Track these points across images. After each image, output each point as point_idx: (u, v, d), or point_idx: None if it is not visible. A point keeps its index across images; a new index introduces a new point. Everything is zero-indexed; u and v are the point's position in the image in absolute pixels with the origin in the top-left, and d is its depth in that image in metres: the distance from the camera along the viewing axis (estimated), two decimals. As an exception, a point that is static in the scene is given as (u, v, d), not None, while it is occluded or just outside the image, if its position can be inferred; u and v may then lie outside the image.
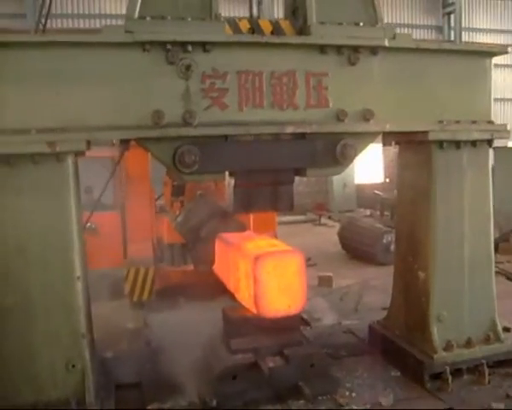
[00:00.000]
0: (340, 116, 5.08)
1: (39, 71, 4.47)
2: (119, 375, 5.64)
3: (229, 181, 5.65)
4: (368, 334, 6.67)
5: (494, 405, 5.03)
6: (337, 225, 15.06)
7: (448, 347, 5.54)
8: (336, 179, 19.70)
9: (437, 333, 5.56)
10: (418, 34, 21.94)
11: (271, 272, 5.01)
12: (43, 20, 8.20)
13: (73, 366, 4.73)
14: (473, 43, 21.46)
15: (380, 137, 5.63)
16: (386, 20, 17.78)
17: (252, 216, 9.07)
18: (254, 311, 5.13)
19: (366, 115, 5.15)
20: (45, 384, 4.68)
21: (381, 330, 6.37)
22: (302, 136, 5.10)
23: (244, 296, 5.36)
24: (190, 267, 8.86)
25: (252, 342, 5.33)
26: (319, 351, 5.56)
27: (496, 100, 5.82)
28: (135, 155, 7.63)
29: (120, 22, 4.70)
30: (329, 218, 18.99)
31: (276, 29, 5.16)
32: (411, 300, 5.90)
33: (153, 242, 8.96)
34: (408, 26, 21.72)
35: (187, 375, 5.48)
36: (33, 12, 14.91)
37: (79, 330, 4.77)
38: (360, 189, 20.80)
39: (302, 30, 5.10)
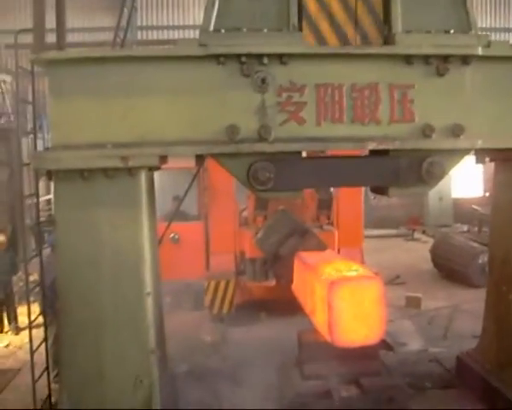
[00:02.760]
0: (426, 132, 4.69)
1: (115, 85, 4.47)
2: (191, 392, 5.56)
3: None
4: (455, 365, 6.18)
5: None
6: (431, 241, 14.34)
7: (544, 388, 4.99)
8: (432, 192, 18.80)
9: (532, 372, 5.03)
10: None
11: (347, 299, 4.69)
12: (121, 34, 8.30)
13: (141, 381, 4.66)
14: None
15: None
16: (489, 25, 16.67)
17: (337, 231, 8.82)
18: (328, 339, 4.84)
19: (456, 131, 4.72)
20: (113, 397, 4.64)
21: (469, 363, 5.88)
22: (385, 152, 4.77)
23: (319, 322, 5.08)
24: (272, 282, 8.71)
25: (326, 369, 5.06)
26: (398, 383, 5.19)
27: None
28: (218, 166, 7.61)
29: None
30: (423, 232, 18.18)
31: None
32: (504, 333, 5.38)
33: (235, 255, 8.89)
34: (505, 30, 20.41)
35: (258, 399, 5.29)
36: (133, 24, 15.42)
37: (148, 346, 4.70)
38: (457, 203, 19.75)
39: (387, 39, 4.78)
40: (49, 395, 5.30)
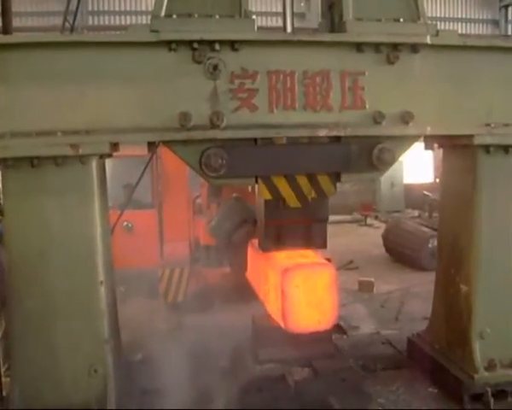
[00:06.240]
0: (377, 118, 4.77)
1: (65, 71, 4.37)
2: (145, 380, 5.53)
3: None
4: (407, 346, 6.36)
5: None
6: (383, 226, 14.61)
7: (490, 366, 5.17)
8: (384, 179, 19.11)
9: (479, 351, 5.20)
10: (473, 29, 21.17)
11: (300, 285, 4.74)
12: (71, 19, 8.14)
13: (95, 371, 4.63)
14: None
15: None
16: (439, 15, 17.15)
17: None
18: (282, 325, 4.89)
19: (405, 118, 4.82)
20: (67, 388, 4.60)
21: (420, 344, 6.04)
22: (336, 139, 4.83)
23: (273, 308, 5.12)
24: (226, 269, 8.74)
25: (280, 353, 5.13)
26: (351, 365, 5.30)
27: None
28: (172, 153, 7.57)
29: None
30: (376, 218, 18.54)
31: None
32: (452, 313, 5.55)
33: (190, 242, 8.86)
34: (462, 20, 20.97)
35: (214, 384, 5.32)
36: (81, 10, 15.06)
37: (102, 335, 4.67)
38: (409, 189, 20.18)
39: (338, 26, 4.83)
40: (1, 390, 5.20)
